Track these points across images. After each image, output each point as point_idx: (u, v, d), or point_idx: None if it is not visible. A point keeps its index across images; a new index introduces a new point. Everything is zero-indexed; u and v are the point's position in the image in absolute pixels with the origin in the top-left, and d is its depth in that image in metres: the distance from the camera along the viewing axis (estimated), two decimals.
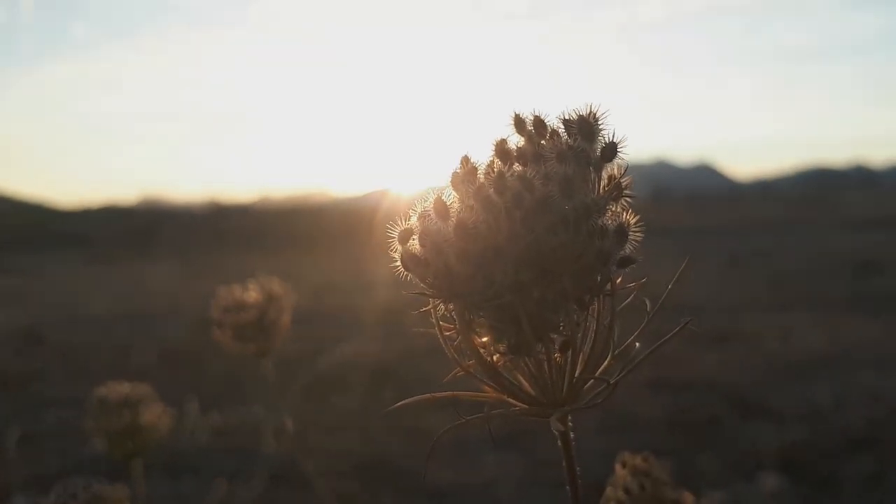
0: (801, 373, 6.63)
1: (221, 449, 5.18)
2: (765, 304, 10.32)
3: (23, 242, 27.78)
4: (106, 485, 1.33)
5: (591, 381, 0.71)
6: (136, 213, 44.22)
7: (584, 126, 0.69)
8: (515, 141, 0.71)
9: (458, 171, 0.69)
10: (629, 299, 0.72)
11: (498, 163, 0.69)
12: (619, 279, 0.70)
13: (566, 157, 0.67)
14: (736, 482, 4.31)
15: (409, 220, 0.69)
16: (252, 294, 2.11)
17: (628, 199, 0.69)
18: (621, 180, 0.69)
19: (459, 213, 0.67)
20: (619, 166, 0.70)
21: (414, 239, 0.68)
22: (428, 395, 0.74)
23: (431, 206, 0.67)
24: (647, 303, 0.72)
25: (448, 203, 0.67)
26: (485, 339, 0.70)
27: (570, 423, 0.72)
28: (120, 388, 2.05)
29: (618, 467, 1.15)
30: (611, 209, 0.69)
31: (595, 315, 0.70)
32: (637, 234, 0.69)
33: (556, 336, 0.69)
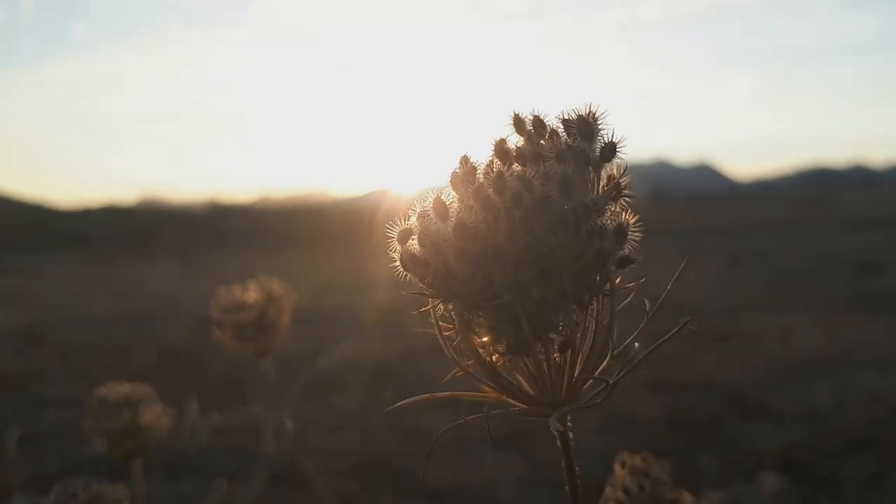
0: (801, 373, 6.63)
1: (221, 449, 5.18)
2: (765, 304, 10.32)
3: (23, 242, 27.77)
4: (106, 485, 1.33)
5: (591, 380, 0.71)
6: (135, 213, 44.21)
7: (584, 126, 0.69)
8: (515, 141, 0.71)
9: (458, 170, 0.69)
10: (628, 299, 0.72)
11: (497, 163, 0.69)
12: (619, 279, 0.70)
13: (565, 156, 0.67)
14: (736, 482, 4.31)
15: (408, 220, 0.69)
16: (252, 294, 2.11)
17: (627, 199, 0.70)
18: (620, 180, 0.69)
19: (459, 213, 0.67)
20: (619, 166, 0.70)
21: (413, 239, 0.69)
22: (428, 395, 0.74)
23: (431, 205, 0.67)
24: (646, 303, 0.72)
25: (447, 203, 0.67)
26: (484, 339, 0.70)
27: (569, 423, 0.72)
28: (120, 388, 2.05)
29: (617, 467, 1.15)
30: (610, 209, 0.69)
31: (594, 315, 0.70)
32: (636, 233, 0.69)
33: (555, 336, 0.69)
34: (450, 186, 0.68)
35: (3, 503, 3.84)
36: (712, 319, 8.76)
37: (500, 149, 0.70)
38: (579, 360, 0.71)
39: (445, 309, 0.70)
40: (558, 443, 0.74)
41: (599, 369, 0.71)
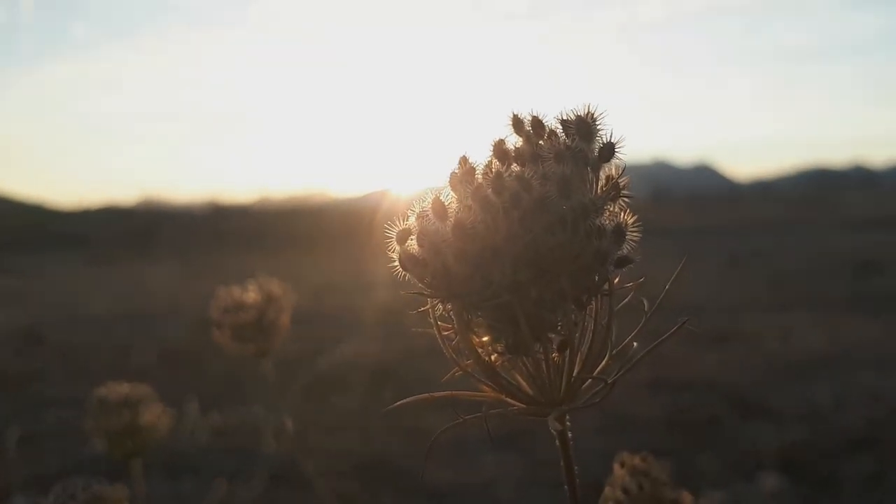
0: (801, 373, 6.63)
1: (221, 449, 5.18)
2: (765, 304, 10.32)
3: (22, 243, 27.76)
4: (106, 485, 1.33)
5: (589, 380, 0.71)
6: (135, 214, 44.18)
7: (582, 126, 0.69)
8: (514, 141, 0.71)
9: (457, 171, 0.69)
10: (627, 299, 0.72)
11: (496, 163, 0.69)
12: (617, 279, 0.70)
13: (564, 157, 0.67)
14: (736, 482, 4.31)
15: (407, 221, 0.69)
16: (252, 294, 2.11)
17: (626, 199, 0.70)
18: (619, 180, 0.70)
19: (457, 213, 0.67)
20: (617, 166, 0.70)
21: (412, 239, 0.69)
22: (427, 394, 0.74)
23: (429, 206, 0.68)
24: (645, 303, 0.73)
25: (446, 203, 0.67)
26: (483, 339, 0.70)
27: (568, 423, 0.72)
28: (120, 388, 2.05)
29: (616, 467, 1.15)
30: (609, 209, 0.69)
31: (593, 315, 0.70)
32: (635, 233, 0.69)
33: (553, 336, 0.69)
34: (449, 187, 0.69)
35: (3, 503, 3.84)
36: (712, 319, 8.76)
37: (499, 149, 0.70)
38: (578, 359, 0.71)
39: (444, 309, 0.70)
40: (557, 442, 0.74)
41: (598, 369, 0.71)
